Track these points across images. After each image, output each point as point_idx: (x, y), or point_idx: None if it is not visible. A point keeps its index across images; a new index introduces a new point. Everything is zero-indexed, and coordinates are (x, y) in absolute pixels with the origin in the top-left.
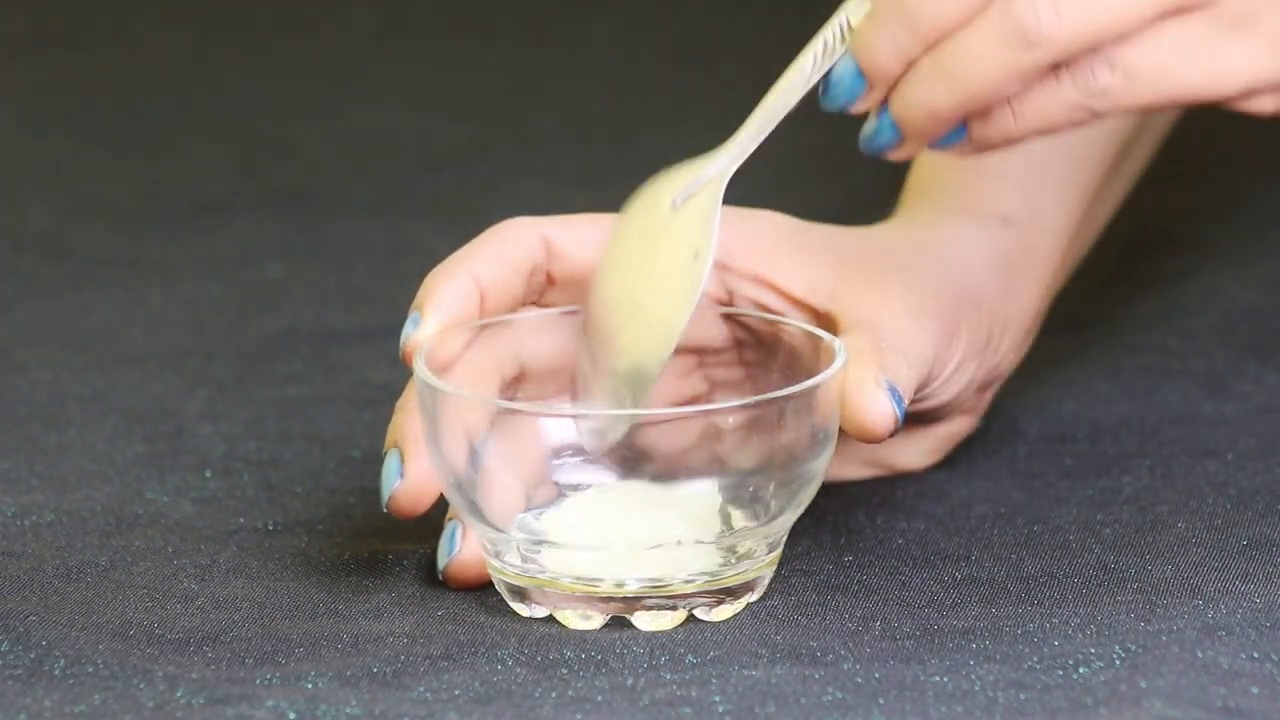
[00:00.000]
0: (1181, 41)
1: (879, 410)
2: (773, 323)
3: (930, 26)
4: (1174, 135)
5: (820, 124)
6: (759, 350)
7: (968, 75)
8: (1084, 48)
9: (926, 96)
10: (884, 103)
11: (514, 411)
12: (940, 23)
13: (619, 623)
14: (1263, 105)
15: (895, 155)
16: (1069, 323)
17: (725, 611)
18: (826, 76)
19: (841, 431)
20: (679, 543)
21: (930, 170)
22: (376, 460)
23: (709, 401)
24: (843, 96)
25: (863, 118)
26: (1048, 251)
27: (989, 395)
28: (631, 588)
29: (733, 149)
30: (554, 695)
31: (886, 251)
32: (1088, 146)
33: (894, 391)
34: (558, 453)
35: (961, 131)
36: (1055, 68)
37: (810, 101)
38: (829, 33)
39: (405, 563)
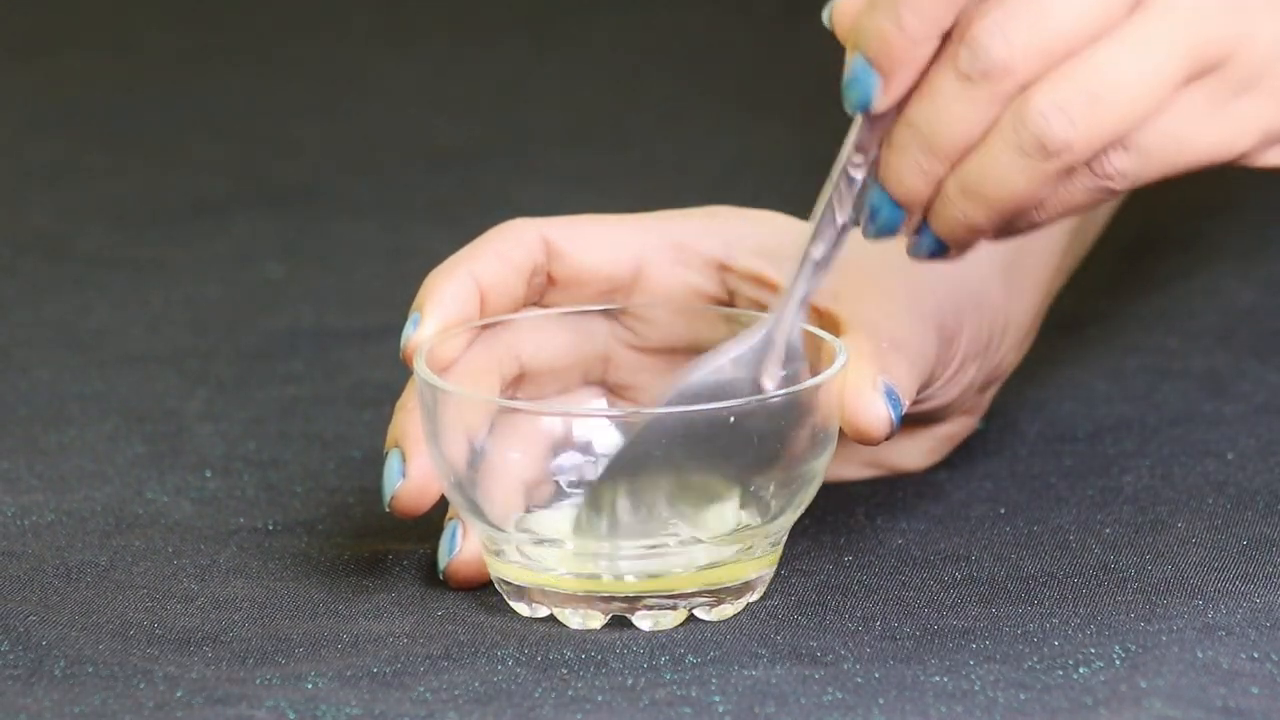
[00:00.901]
0: (1194, 111)
1: (875, 414)
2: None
3: (949, 147)
4: None
5: (820, 124)
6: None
7: (995, 192)
8: (1104, 147)
9: (962, 216)
10: (924, 219)
11: (514, 411)
12: (957, 142)
13: (619, 622)
14: (1274, 158)
15: (948, 260)
16: (1069, 323)
17: (725, 611)
18: (865, 210)
19: (841, 433)
20: (679, 542)
21: None
22: (376, 460)
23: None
24: (885, 226)
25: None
26: (1048, 251)
27: (989, 395)
28: (632, 586)
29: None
30: (554, 695)
31: (887, 252)
32: None
33: (892, 395)
34: (558, 452)
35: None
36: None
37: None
38: (836, 178)
39: (405, 563)
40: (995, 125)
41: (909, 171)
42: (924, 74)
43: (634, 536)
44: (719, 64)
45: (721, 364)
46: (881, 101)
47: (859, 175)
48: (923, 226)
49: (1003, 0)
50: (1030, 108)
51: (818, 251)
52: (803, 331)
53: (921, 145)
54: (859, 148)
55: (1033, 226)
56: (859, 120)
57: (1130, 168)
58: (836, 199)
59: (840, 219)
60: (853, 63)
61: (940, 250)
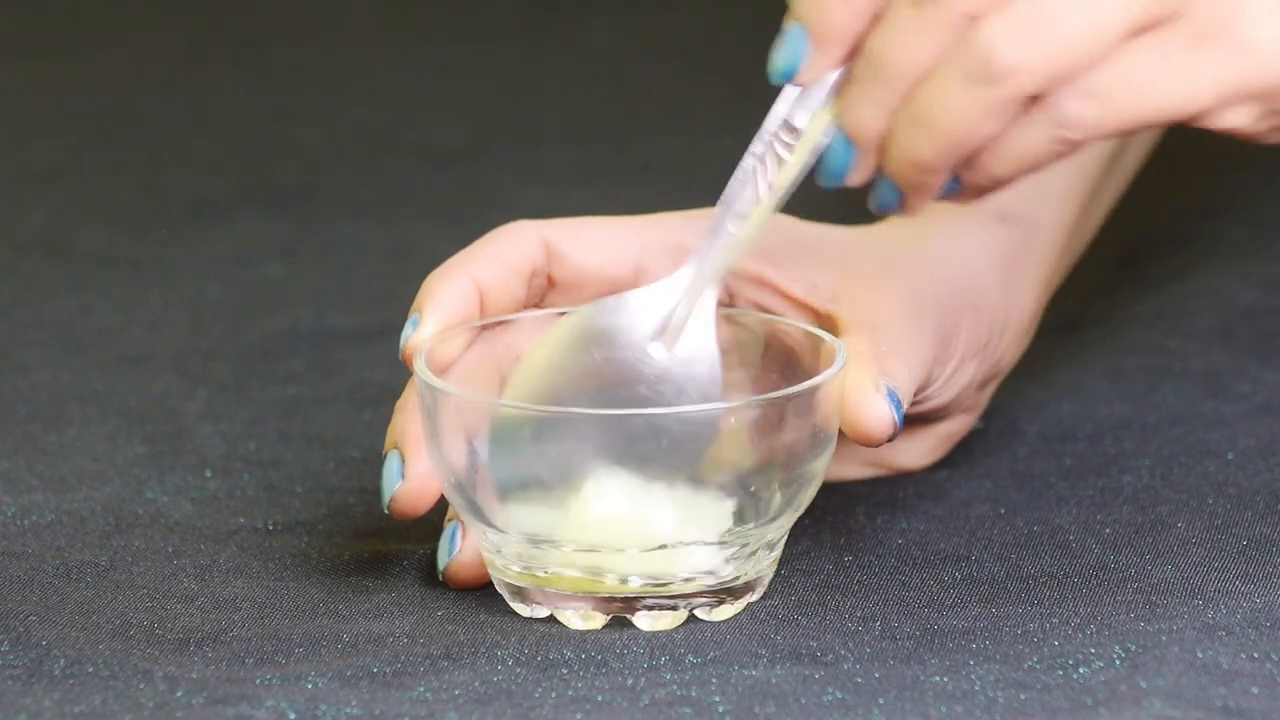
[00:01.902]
0: (1150, 60)
1: (877, 415)
2: (773, 323)
3: (899, 73)
4: (1173, 134)
5: None
6: (759, 351)
7: (941, 120)
8: (1051, 77)
9: (910, 149)
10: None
11: (515, 410)
12: (909, 68)
13: (619, 622)
14: (1239, 118)
15: (907, 212)
16: (1069, 323)
17: (726, 611)
18: (821, 155)
19: (841, 433)
20: (680, 542)
21: None
22: (376, 460)
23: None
24: (836, 168)
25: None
26: (1046, 248)
27: (988, 393)
28: (632, 587)
29: (700, 274)
30: (554, 695)
31: (886, 252)
32: None
33: (893, 396)
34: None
35: (956, 182)
36: (1028, 104)
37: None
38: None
39: (405, 563)
40: (948, 55)
41: (863, 103)
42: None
43: (634, 537)
44: (719, 64)
45: (626, 306)
46: (807, 73)
47: (786, 154)
48: (879, 177)
49: None
50: (977, 32)
51: (733, 226)
52: (802, 331)
53: (874, 74)
54: (788, 126)
55: (995, 180)
56: (788, 93)
57: (1087, 114)
58: (760, 175)
59: (762, 194)
60: (787, 31)
61: (896, 199)
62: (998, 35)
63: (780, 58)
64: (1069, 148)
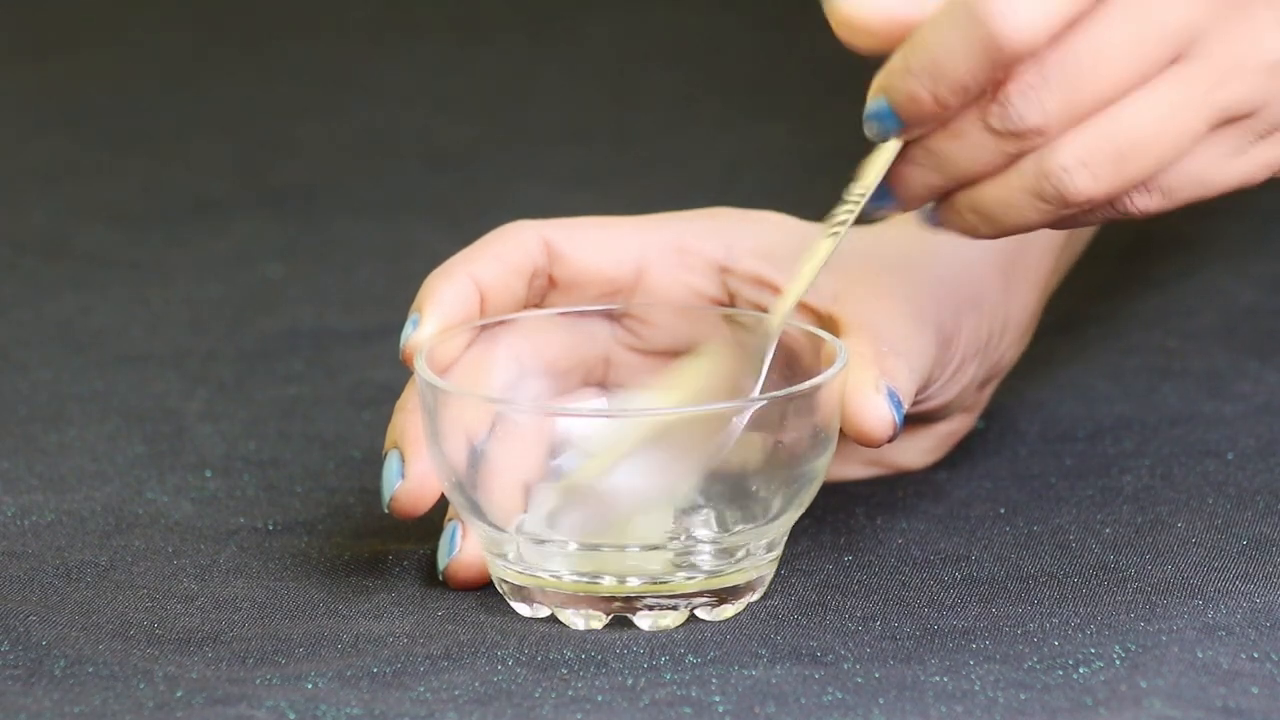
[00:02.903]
0: (1213, 156)
1: (878, 416)
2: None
3: (964, 176)
4: None
5: (820, 125)
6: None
7: (1007, 221)
8: (1121, 195)
9: (964, 225)
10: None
11: (515, 411)
12: (974, 174)
13: (620, 622)
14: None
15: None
16: (1069, 323)
17: (727, 611)
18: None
19: (841, 434)
20: (681, 542)
21: None
22: (376, 460)
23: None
24: (874, 209)
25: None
26: (1046, 248)
27: (989, 392)
28: (633, 587)
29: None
30: (554, 695)
31: (888, 253)
32: None
33: (893, 397)
34: (558, 452)
35: None
36: None
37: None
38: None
39: (405, 563)
40: (1016, 164)
41: (917, 185)
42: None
43: (634, 537)
44: (719, 64)
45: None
46: (900, 139)
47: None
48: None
49: (1040, 60)
50: (1054, 162)
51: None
52: (802, 331)
53: (936, 168)
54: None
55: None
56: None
57: (1150, 205)
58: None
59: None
60: (877, 103)
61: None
62: (1075, 168)
63: (875, 126)
64: (1122, 219)
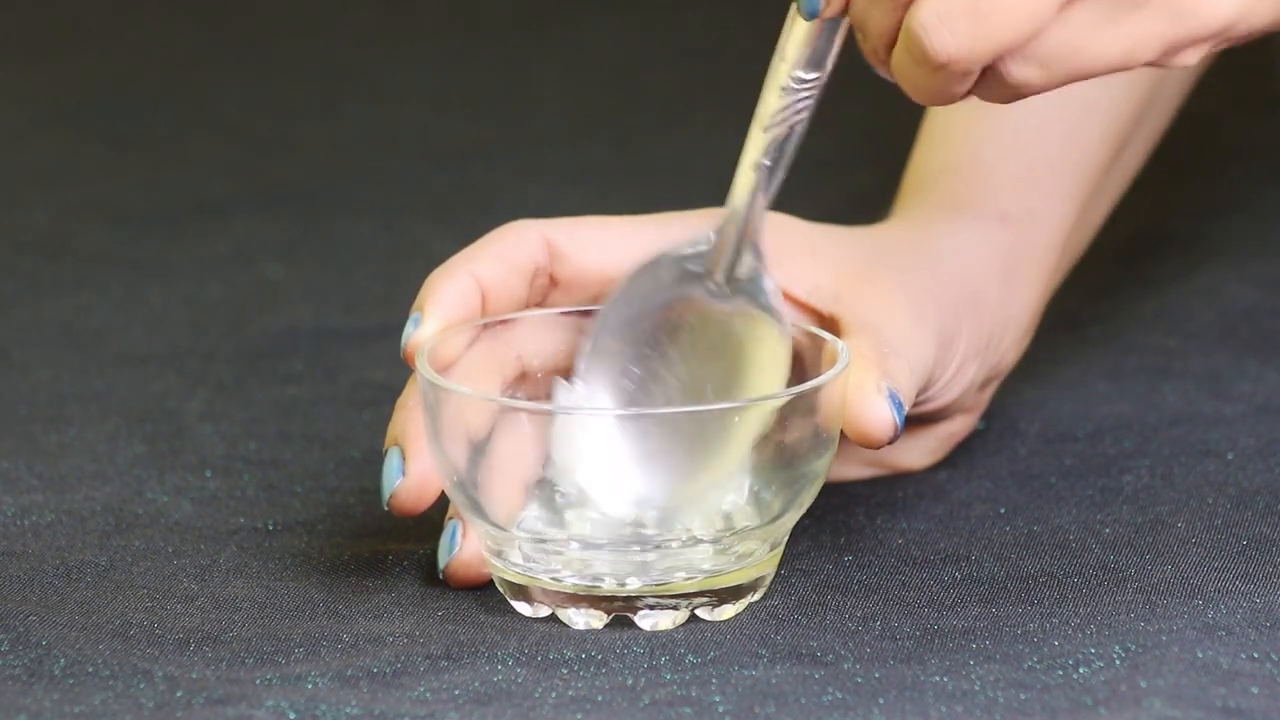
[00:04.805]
0: (1083, 25)
1: (879, 417)
2: None
3: (877, 43)
4: (1173, 134)
5: (820, 126)
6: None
7: (911, 87)
8: (989, 58)
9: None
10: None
11: (516, 410)
12: (880, 41)
13: (620, 622)
14: (1192, 58)
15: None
16: (1069, 323)
17: (726, 611)
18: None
19: (841, 434)
20: (681, 542)
21: (927, 168)
22: (376, 460)
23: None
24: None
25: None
26: (1046, 248)
27: (989, 393)
28: (633, 587)
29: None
30: (554, 695)
31: (888, 253)
32: (1084, 144)
33: (895, 398)
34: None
35: None
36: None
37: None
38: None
39: (405, 563)
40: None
41: (865, 51)
42: None
43: (635, 537)
44: (719, 64)
45: (672, 262)
46: (826, 10)
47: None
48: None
49: None
50: (913, 19)
51: (767, 157)
52: (804, 331)
53: (861, 34)
54: (811, 61)
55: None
56: (809, 27)
57: (1034, 76)
58: (790, 108)
59: (793, 125)
60: None
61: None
62: (931, 24)
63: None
64: (1015, 98)
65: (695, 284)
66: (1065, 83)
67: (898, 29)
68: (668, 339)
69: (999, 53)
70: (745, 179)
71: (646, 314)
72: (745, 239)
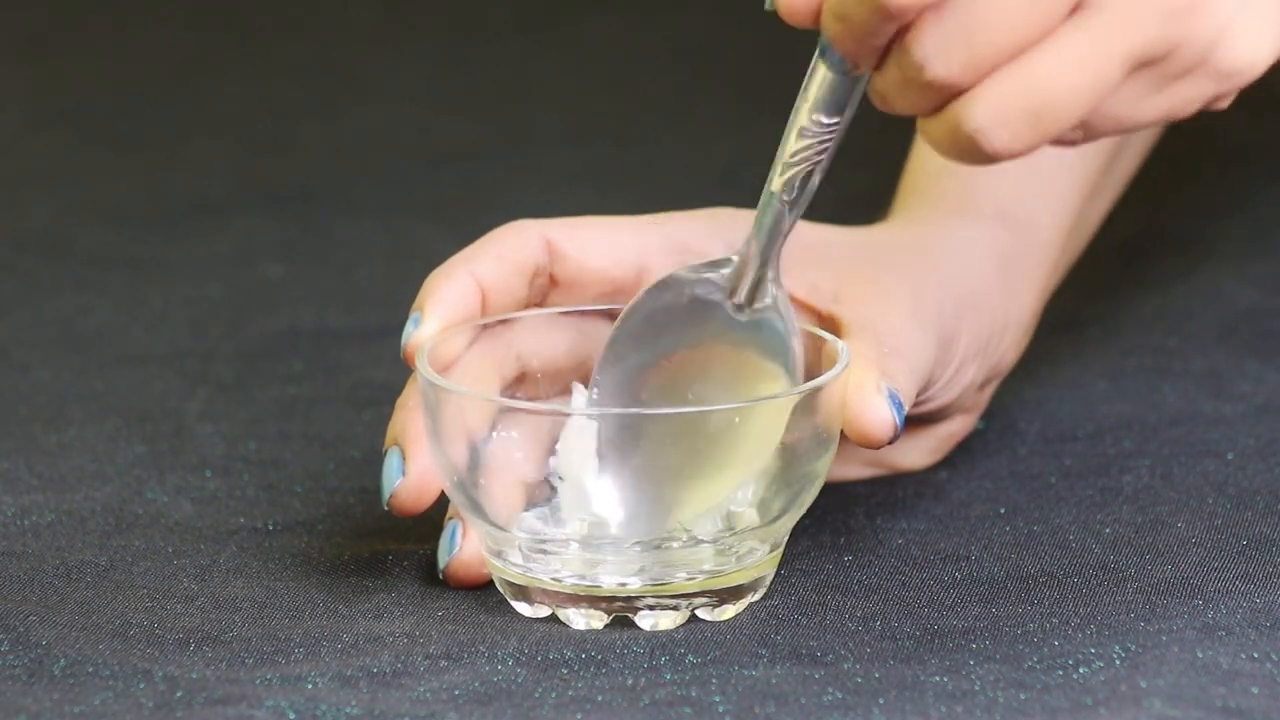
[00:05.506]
0: (1131, 97)
1: (879, 417)
2: None
3: (899, 112)
4: (1172, 135)
5: None
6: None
7: (950, 157)
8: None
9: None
10: None
11: (516, 410)
12: (907, 112)
13: (620, 622)
14: (1223, 105)
15: None
16: (1069, 323)
17: (726, 611)
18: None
19: (841, 434)
20: (682, 542)
21: (926, 168)
22: (376, 460)
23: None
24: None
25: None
26: (1045, 248)
27: (989, 393)
28: (633, 587)
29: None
30: (554, 695)
31: (888, 254)
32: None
33: (894, 398)
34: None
35: None
36: None
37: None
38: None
39: (405, 563)
40: (941, 111)
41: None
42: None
43: (635, 537)
44: (719, 64)
45: (687, 287)
46: (855, 70)
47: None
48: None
49: (937, 9)
50: (970, 123)
51: (786, 192)
52: (804, 331)
53: (880, 103)
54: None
55: None
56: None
57: (1077, 139)
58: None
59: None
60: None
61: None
62: (992, 128)
63: (830, 62)
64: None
65: (713, 299)
66: (1096, 139)
67: (931, 111)
68: (682, 352)
69: (1053, 140)
70: (765, 207)
71: (661, 334)
72: (765, 265)
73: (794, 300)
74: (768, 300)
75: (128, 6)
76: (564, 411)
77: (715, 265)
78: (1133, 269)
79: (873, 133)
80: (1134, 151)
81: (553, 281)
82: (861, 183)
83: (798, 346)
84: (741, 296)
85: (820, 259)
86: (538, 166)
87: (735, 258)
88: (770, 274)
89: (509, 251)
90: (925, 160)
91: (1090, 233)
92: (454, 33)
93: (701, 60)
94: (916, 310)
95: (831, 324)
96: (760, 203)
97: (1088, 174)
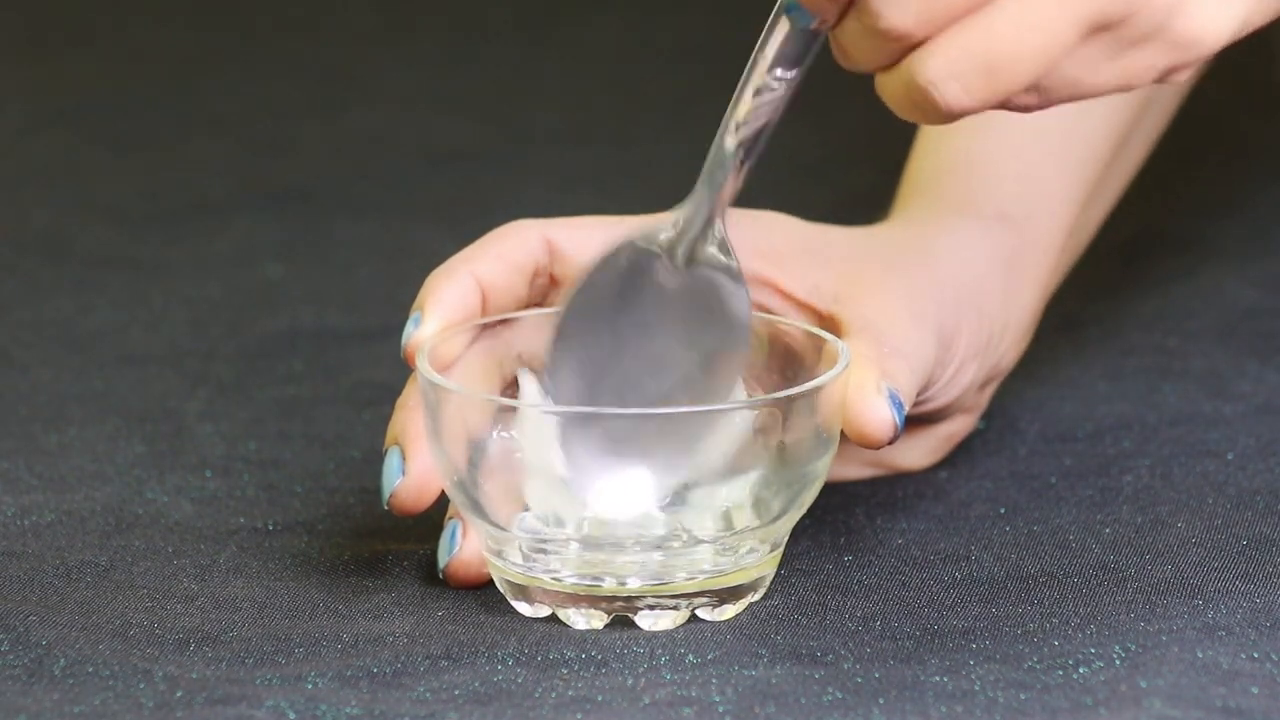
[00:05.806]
0: (1087, 61)
1: (879, 417)
2: (775, 324)
3: (861, 68)
4: (1172, 134)
5: (820, 125)
6: (761, 351)
7: (903, 114)
8: (998, 103)
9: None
10: None
11: (516, 410)
12: (866, 69)
13: (620, 622)
14: (1182, 78)
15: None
16: (1069, 323)
17: (727, 611)
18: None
19: (841, 434)
20: (682, 542)
21: (926, 168)
22: (376, 460)
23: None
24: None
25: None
26: (1046, 248)
27: (989, 393)
28: (633, 587)
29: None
30: (554, 695)
31: (889, 253)
32: (1083, 143)
33: (895, 398)
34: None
35: None
36: None
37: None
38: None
39: (405, 563)
40: (897, 65)
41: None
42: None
43: (636, 537)
44: (719, 64)
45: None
46: (823, 26)
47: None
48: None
49: None
50: (924, 75)
51: (730, 143)
52: (804, 331)
53: (842, 58)
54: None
55: None
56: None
57: (1030, 102)
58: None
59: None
60: None
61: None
62: (943, 81)
63: (796, 14)
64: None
65: (653, 264)
66: (1056, 105)
67: (889, 64)
68: (630, 321)
69: (1007, 99)
70: (716, 165)
71: (608, 299)
72: (710, 223)
73: (794, 300)
74: (710, 252)
75: (128, 6)
76: (564, 411)
77: (657, 229)
78: (1133, 269)
79: (872, 133)
80: (1134, 151)
81: (553, 281)
82: (861, 183)
83: (744, 293)
84: (682, 255)
85: (821, 259)
86: (538, 166)
87: (679, 219)
88: (715, 232)
89: (509, 251)
90: (926, 160)
91: (1091, 233)
92: (454, 33)
93: (701, 60)
94: (917, 310)
95: (831, 324)
96: (709, 161)
97: (1088, 174)
